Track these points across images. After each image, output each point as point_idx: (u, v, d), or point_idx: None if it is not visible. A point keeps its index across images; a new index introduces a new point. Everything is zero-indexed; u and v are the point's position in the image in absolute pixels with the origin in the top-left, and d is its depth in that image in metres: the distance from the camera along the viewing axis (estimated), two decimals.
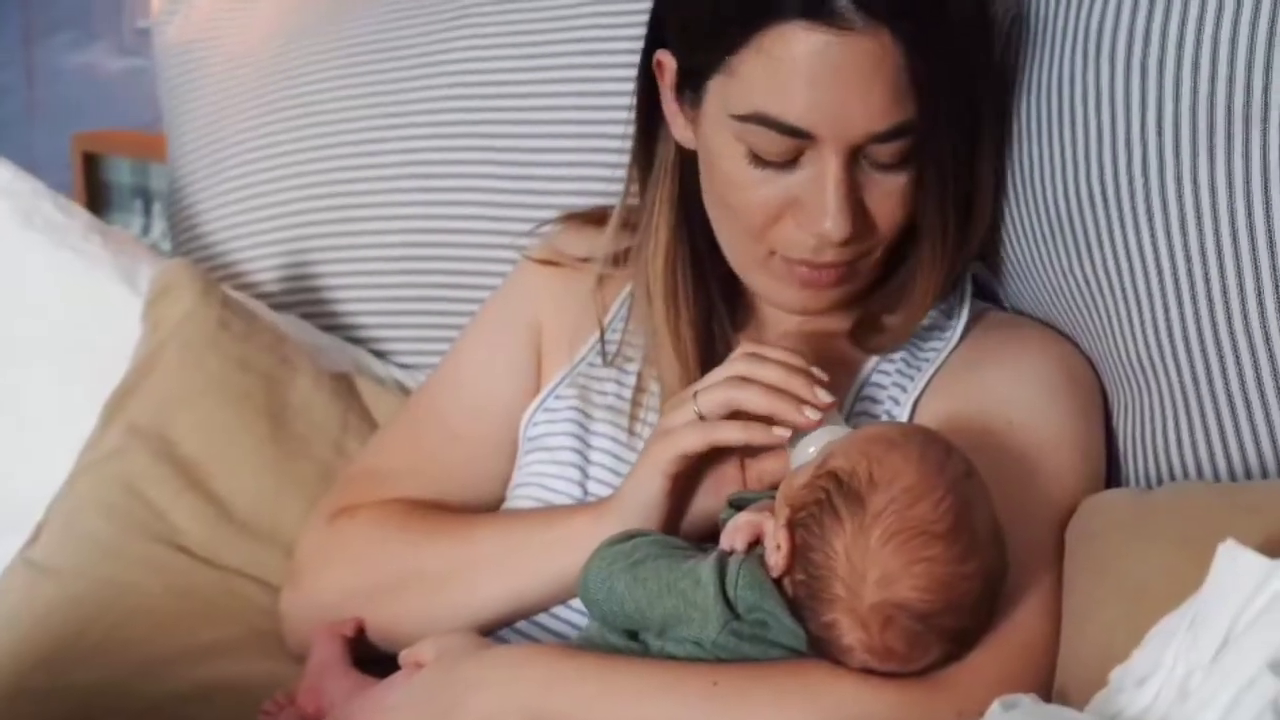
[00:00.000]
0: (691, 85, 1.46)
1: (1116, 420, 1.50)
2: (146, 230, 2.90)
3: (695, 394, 1.41)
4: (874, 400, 1.52)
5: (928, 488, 1.24)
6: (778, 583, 1.29)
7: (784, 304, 1.52)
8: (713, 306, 1.58)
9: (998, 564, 1.27)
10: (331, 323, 2.10)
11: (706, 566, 1.30)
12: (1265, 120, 1.30)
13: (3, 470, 1.93)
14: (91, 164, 2.94)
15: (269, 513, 1.78)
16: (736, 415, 1.40)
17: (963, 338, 1.54)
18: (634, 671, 1.30)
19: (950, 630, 1.25)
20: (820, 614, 1.26)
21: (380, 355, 2.09)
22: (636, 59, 1.56)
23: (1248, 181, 1.31)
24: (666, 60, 1.50)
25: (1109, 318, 1.47)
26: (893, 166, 1.42)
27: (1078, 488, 1.41)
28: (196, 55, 2.31)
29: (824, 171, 1.39)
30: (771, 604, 1.28)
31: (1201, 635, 1.05)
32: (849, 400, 1.53)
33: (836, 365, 1.53)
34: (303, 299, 2.13)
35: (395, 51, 2.09)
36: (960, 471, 1.27)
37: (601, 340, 1.63)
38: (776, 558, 1.29)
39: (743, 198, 1.44)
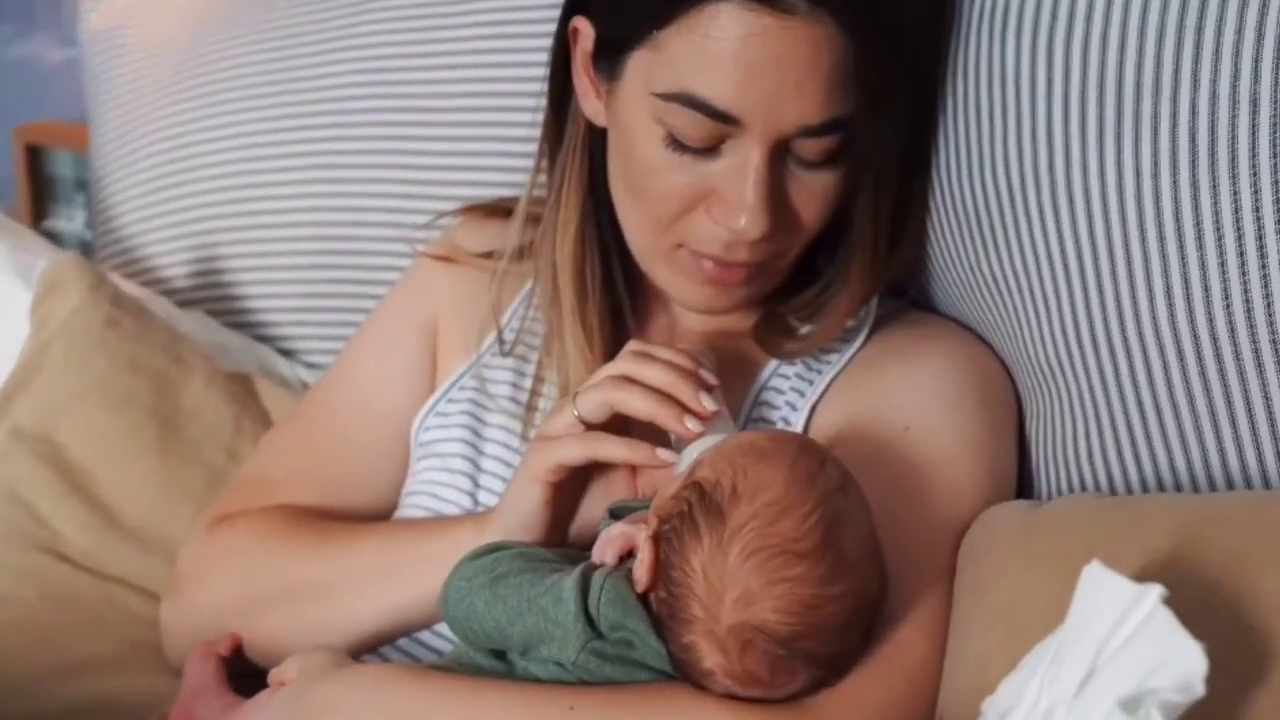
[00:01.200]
0: (609, 57, 1.37)
1: (1030, 430, 1.42)
2: (90, 224, 2.83)
3: (575, 395, 1.33)
4: (771, 406, 1.43)
5: (794, 502, 1.16)
6: (645, 600, 1.21)
7: (686, 301, 1.44)
8: (619, 296, 1.49)
9: (871, 585, 1.19)
10: (239, 320, 2.02)
11: (569, 582, 1.22)
12: (1174, 100, 1.21)
13: None
14: (34, 157, 2.86)
15: (156, 519, 1.71)
16: (621, 418, 1.31)
17: (868, 339, 1.45)
18: (489, 695, 1.22)
19: (816, 655, 1.16)
20: (680, 635, 1.18)
21: (288, 354, 2.01)
22: (548, 44, 1.47)
23: (1155, 167, 1.23)
24: (583, 27, 1.41)
25: (1017, 318, 1.38)
26: (819, 164, 1.33)
27: (978, 501, 1.32)
28: (116, 43, 2.23)
29: (746, 162, 1.30)
30: (635, 622, 1.20)
31: (1064, 667, 0.97)
32: (746, 405, 1.44)
33: (737, 367, 1.45)
34: (210, 295, 2.05)
35: (299, 37, 2.01)
36: (833, 485, 1.18)
37: (499, 337, 1.54)
38: (641, 572, 1.21)
39: (656, 183, 1.35)
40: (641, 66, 1.33)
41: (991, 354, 1.44)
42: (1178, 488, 1.26)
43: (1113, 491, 1.31)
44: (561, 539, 1.38)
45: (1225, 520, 1.07)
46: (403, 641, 1.47)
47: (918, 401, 1.37)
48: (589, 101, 1.43)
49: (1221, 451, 1.23)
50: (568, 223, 1.47)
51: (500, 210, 1.64)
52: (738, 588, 1.14)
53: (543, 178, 1.52)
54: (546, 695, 1.20)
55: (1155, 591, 0.93)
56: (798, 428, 1.41)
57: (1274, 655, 0.97)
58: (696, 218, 1.35)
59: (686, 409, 1.29)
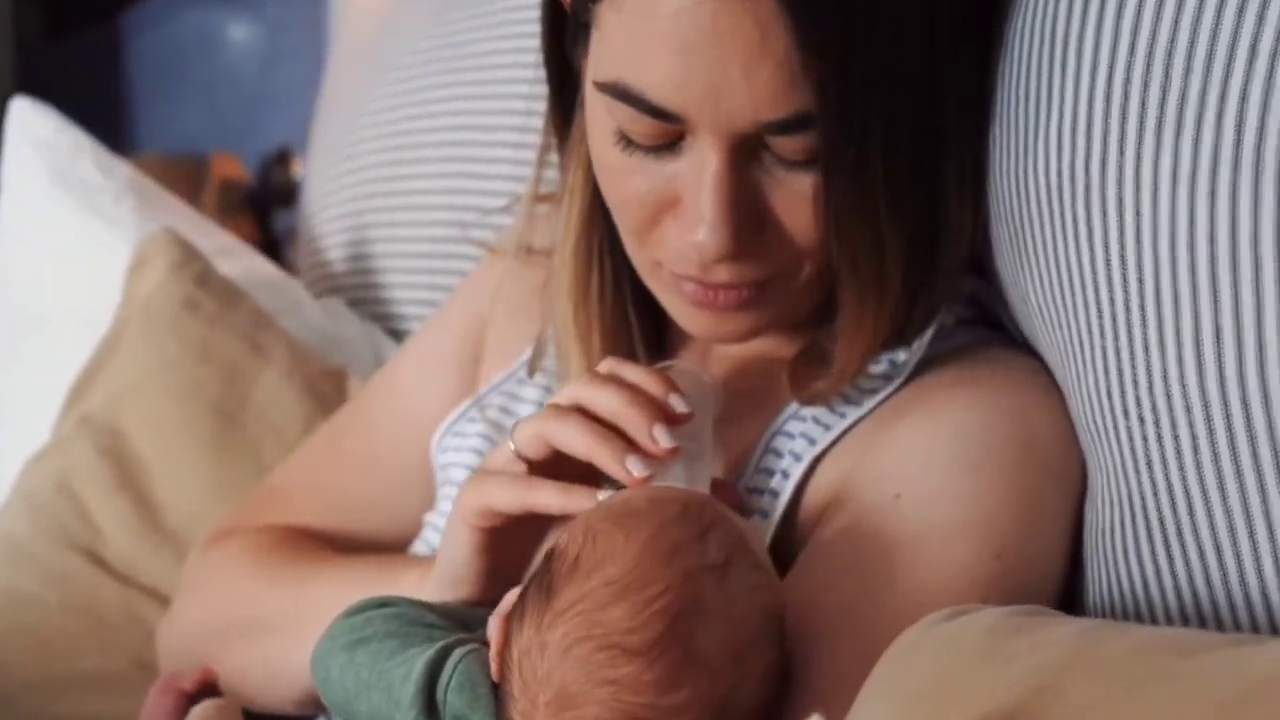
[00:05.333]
0: (578, 34, 1.15)
1: (1086, 512, 1.10)
2: None
3: (515, 425, 1.10)
4: (777, 454, 1.17)
5: (638, 581, 0.93)
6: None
7: (688, 327, 1.18)
8: (627, 312, 1.25)
9: (736, 702, 0.93)
10: (378, 310, 1.85)
11: (426, 656, 1.01)
12: (1226, 79, 0.91)
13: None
14: None
15: (199, 523, 1.56)
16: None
17: (911, 379, 1.15)
18: None
19: None
20: None
21: None
22: None
23: (1194, 170, 0.94)
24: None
25: (1063, 363, 1.08)
26: (804, 163, 1.06)
27: (971, 596, 1.01)
28: (345, 8, 2.10)
29: (703, 166, 1.06)
30: (481, 717, 0.98)
31: None
32: (757, 451, 1.17)
33: (759, 402, 1.20)
34: (354, 283, 1.88)
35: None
36: (705, 563, 0.95)
37: (535, 350, 1.31)
38: (492, 657, 0.98)
39: (614, 186, 1.13)
40: (593, 48, 1.11)
41: (1057, 410, 1.12)
42: (1213, 606, 0.95)
43: (1148, 602, 1.00)
44: None
45: (1091, 668, 0.77)
46: None
47: (920, 463, 1.09)
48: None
49: (1278, 556, 0.91)
50: (570, 224, 1.24)
51: None
52: (552, 688, 0.93)
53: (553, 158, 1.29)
54: None
55: None
56: (789, 488, 1.14)
57: None
58: (666, 231, 1.11)
59: (631, 447, 1.04)
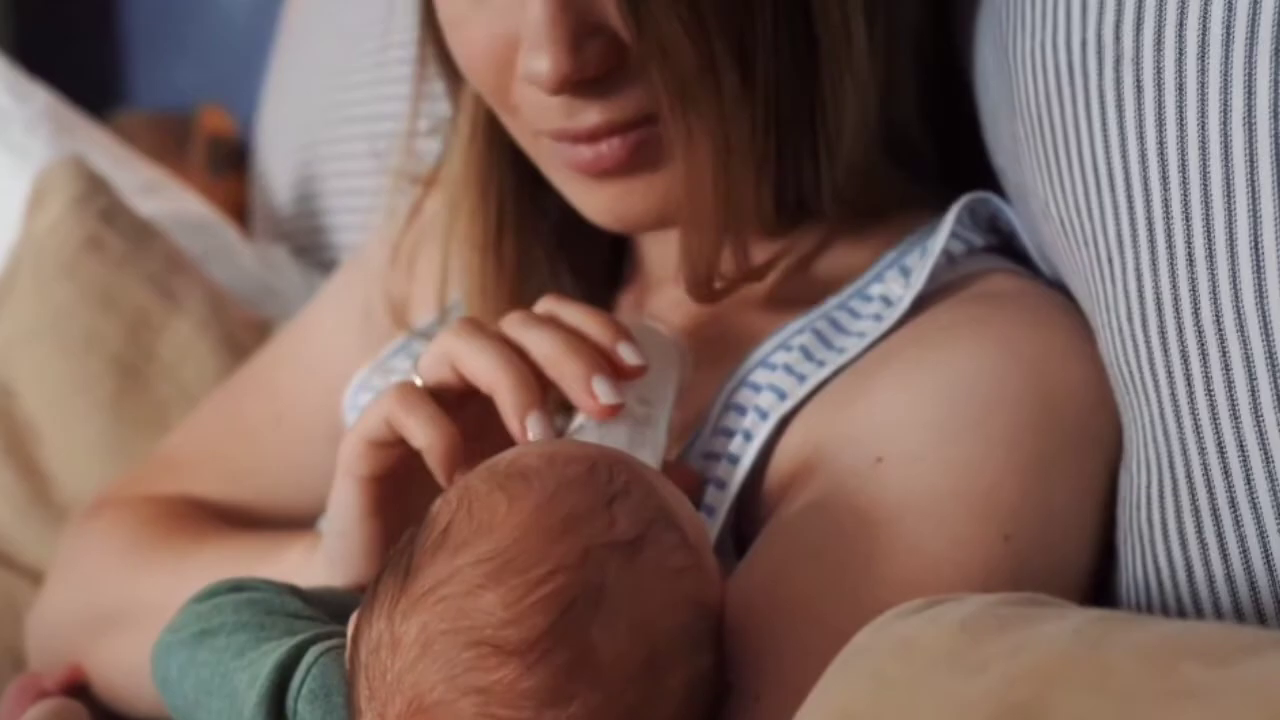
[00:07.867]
0: None
1: (1119, 480, 0.90)
2: None
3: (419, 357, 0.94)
4: (739, 411, 0.97)
5: (520, 561, 0.75)
6: None
7: (587, 211, 1.01)
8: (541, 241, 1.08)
9: (645, 714, 0.75)
10: (325, 257, 1.67)
11: (277, 655, 0.83)
12: None
13: None
14: None
15: (91, 496, 1.38)
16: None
17: (909, 318, 0.95)
18: None
19: None
20: None
21: None
22: None
23: (1253, 31, 0.73)
24: None
25: (1090, 289, 0.88)
26: None
27: (969, 581, 0.82)
28: None
29: None
30: None
31: None
32: (714, 409, 0.97)
33: (724, 348, 1.01)
34: (302, 226, 1.71)
35: None
36: (611, 539, 0.77)
37: (443, 294, 1.13)
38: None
39: (460, 47, 0.99)
40: None
41: (1085, 357, 0.92)
42: (1275, 596, 0.77)
43: (1192, 593, 0.81)
44: None
45: (1087, 679, 0.57)
46: None
47: (908, 418, 0.88)
48: None
49: None
50: (465, 136, 1.07)
51: None
52: (404, 696, 0.75)
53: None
54: None
55: None
56: (752, 451, 0.94)
57: None
58: (519, 83, 0.95)
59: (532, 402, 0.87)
